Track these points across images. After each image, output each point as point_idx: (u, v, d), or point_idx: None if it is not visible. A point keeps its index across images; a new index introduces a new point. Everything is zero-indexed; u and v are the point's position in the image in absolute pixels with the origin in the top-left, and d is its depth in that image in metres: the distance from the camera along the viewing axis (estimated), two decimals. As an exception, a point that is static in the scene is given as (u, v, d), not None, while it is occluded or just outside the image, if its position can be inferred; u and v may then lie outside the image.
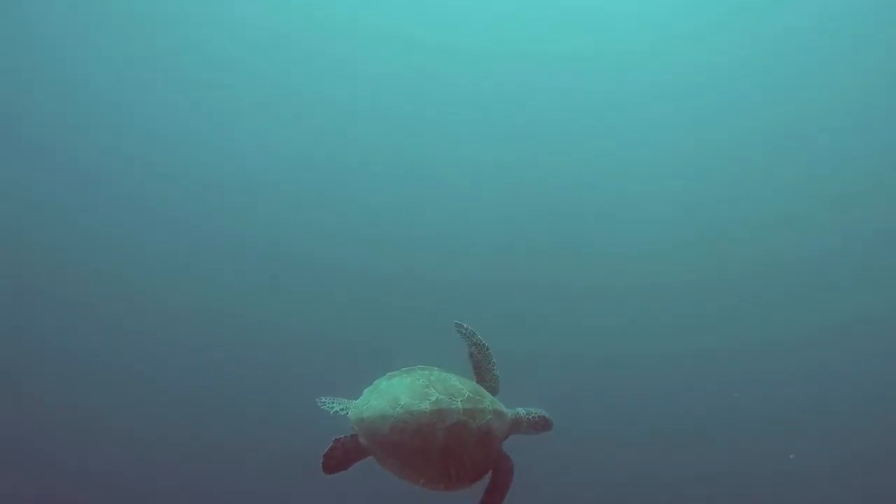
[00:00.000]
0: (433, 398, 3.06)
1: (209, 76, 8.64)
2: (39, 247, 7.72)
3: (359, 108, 8.93)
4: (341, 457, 3.07)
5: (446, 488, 3.02)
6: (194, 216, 8.29)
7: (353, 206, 8.57)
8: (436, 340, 3.76)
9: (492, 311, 6.65)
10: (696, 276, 8.52)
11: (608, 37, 8.97)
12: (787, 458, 7.38)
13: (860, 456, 7.39)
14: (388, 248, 8.27)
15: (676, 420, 7.51)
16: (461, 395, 3.12)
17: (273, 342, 7.38)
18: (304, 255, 8.17)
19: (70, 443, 6.71)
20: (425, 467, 2.96)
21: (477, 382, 3.42)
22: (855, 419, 7.67)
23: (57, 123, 8.17)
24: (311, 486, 5.44)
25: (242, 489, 6.58)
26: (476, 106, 8.94)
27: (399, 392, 3.10)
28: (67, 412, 6.82)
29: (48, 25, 8.18)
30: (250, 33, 8.74)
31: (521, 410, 3.41)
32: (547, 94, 8.98)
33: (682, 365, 7.94)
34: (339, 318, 7.57)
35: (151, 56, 8.49)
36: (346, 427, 3.17)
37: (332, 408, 3.21)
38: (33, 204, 7.87)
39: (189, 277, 7.90)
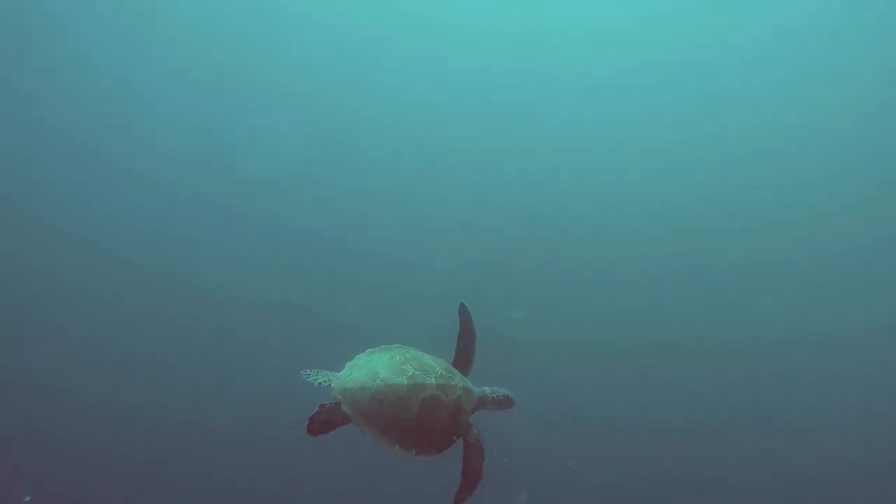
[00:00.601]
0: (409, 373, 3.34)
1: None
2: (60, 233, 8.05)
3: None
4: (325, 421, 3.37)
5: (418, 454, 3.30)
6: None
7: (352, 189, 8.79)
8: (415, 322, 4.06)
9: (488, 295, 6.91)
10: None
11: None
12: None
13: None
14: (381, 233, 8.54)
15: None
16: (435, 372, 3.40)
17: (259, 319, 7.68)
18: (297, 236, 8.42)
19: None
20: (401, 434, 3.23)
21: (453, 362, 3.71)
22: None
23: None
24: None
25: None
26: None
27: (378, 367, 3.37)
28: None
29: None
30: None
31: (487, 389, 3.67)
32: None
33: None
34: (325, 295, 7.80)
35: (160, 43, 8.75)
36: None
37: (315, 380, 3.47)
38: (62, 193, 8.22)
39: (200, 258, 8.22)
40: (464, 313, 3.77)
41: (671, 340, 8.11)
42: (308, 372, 3.48)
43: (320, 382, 3.42)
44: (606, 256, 8.61)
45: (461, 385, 3.46)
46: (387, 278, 7.97)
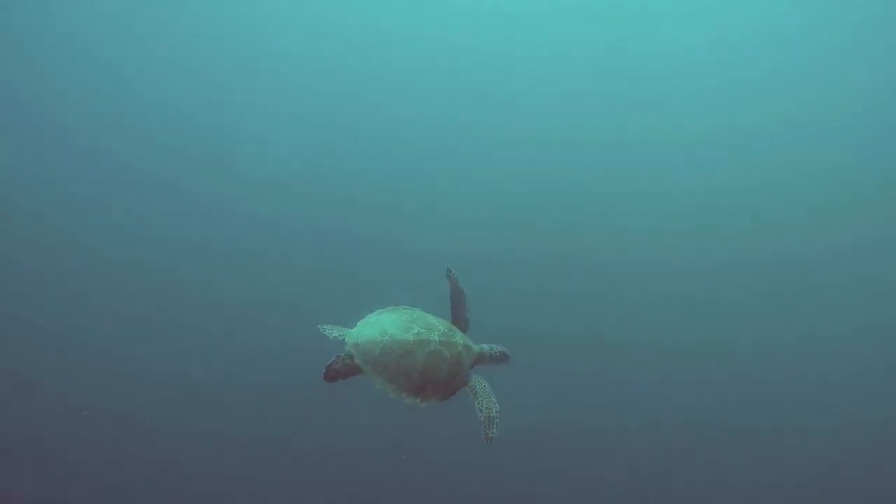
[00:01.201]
0: (415, 331, 3.75)
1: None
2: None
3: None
4: (339, 370, 3.77)
5: (423, 401, 3.70)
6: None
7: (365, 173, 9.10)
8: (421, 288, 4.46)
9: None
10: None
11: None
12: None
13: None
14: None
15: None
16: (438, 330, 3.81)
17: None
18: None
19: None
20: (406, 384, 3.64)
21: (452, 321, 4.13)
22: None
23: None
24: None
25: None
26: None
27: (387, 325, 3.78)
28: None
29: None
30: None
31: (486, 346, 4.08)
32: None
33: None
34: (340, 263, 8.25)
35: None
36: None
37: (331, 334, 3.90)
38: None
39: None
40: (451, 276, 4.17)
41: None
42: (325, 327, 3.88)
43: (335, 336, 3.82)
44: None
45: (462, 342, 3.85)
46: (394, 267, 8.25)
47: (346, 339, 3.79)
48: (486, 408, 3.80)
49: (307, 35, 9.27)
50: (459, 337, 3.91)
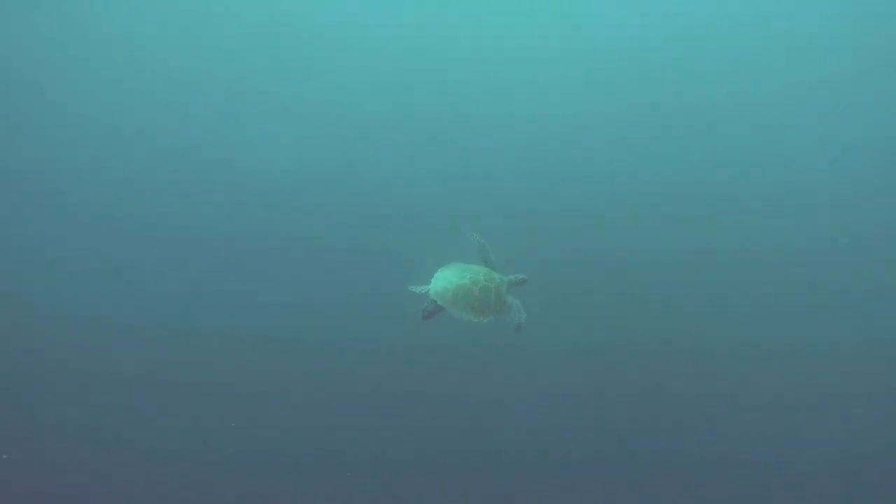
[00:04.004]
0: (468, 277, 5.67)
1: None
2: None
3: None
4: (430, 311, 5.74)
5: (482, 318, 5.62)
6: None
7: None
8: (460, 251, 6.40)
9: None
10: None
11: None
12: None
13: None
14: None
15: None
16: (481, 272, 5.71)
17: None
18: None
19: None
20: (469, 309, 5.57)
21: (487, 267, 6.20)
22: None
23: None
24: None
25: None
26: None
27: (450, 276, 5.70)
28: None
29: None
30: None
31: (513, 276, 6.01)
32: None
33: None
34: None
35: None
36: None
37: (418, 289, 5.86)
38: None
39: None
40: (471, 237, 6.10)
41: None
42: (413, 287, 6.12)
43: (421, 290, 6.04)
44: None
45: (498, 278, 5.85)
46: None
47: (429, 292, 6.03)
48: (519, 316, 5.86)
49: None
50: (496, 275, 5.87)
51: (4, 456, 7.01)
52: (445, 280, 5.89)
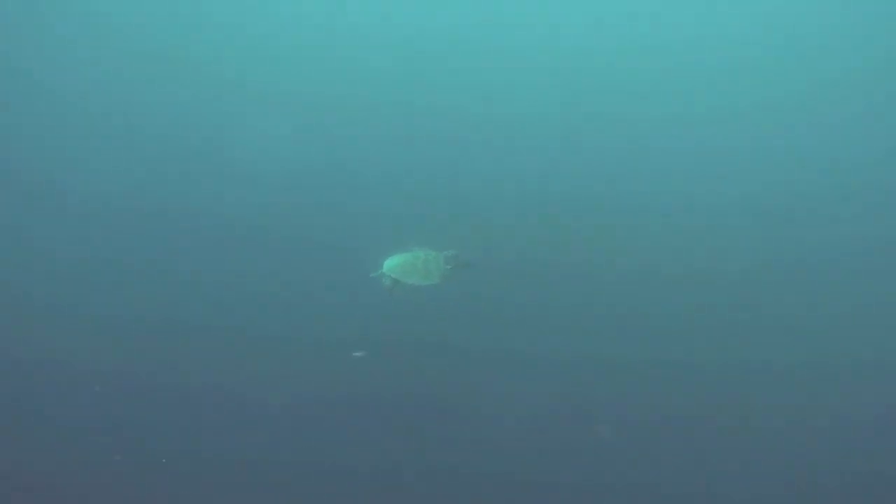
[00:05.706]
0: (411, 254, 6.45)
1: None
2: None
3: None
4: (389, 285, 6.41)
5: (430, 281, 6.37)
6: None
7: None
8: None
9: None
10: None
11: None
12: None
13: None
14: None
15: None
16: (423, 250, 6.46)
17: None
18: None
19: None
20: (417, 274, 6.33)
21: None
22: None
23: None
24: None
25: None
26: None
27: (397, 256, 6.47)
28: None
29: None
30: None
31: (449, 252, 6.55)
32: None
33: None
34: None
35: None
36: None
37: (376, 273, 6.46)
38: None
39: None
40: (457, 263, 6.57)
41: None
42: (374, 273, 6.52)
43: (379, 273, 6.47)
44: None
45: (435, 252, 6.51)
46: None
47: (384, 270, 6.40)
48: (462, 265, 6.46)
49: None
50: (433, 252, 6.51)
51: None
52: (394, 259, 6.71)
